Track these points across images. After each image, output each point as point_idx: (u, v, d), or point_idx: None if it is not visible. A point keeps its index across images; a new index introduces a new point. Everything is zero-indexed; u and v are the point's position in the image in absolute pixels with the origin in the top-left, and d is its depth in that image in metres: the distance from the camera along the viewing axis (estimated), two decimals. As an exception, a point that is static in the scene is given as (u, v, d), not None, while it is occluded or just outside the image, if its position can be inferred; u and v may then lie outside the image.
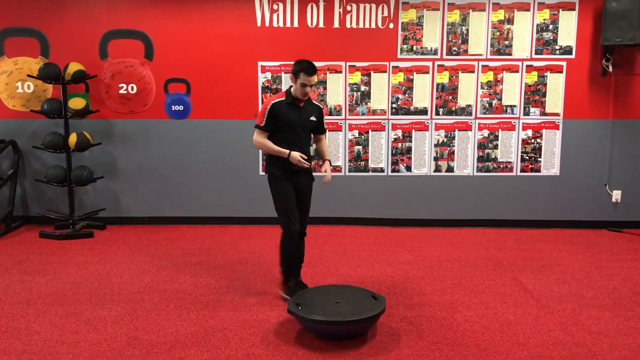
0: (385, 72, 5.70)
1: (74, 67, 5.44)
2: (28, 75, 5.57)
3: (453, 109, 5.75)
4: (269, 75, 5.72)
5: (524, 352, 3.10)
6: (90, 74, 5.61)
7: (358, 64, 5.70)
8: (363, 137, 5.81)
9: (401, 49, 5.67)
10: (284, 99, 3.71)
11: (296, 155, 3.65)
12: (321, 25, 5.64)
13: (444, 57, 5.68)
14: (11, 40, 5.69)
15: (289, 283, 3.89)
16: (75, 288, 4.06)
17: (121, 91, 5.76)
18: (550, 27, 5.60)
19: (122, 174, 5.90)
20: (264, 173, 5.86)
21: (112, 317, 3.55)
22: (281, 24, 5.64)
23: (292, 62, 3.71)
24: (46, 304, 3.75)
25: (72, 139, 5.46)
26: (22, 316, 3.56)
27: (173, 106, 5.79)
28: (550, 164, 5.81)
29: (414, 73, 5.70)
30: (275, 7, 5.62)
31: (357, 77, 5.71)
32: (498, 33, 5.63)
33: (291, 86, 3.72)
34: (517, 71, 5.68)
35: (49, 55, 5.69)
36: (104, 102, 5.78)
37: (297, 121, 3.73)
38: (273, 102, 3.69)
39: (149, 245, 5.20)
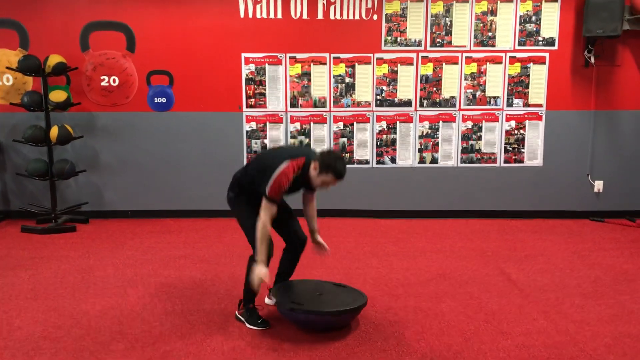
0: (370, 63, 5.69)
1: (54, 59, 5.36)
2: (7, 68, 5.48)
3: (437, 100, 5.76)
4: (252, 67, 5.69)
5: (508, 341, 3.12)
6: (72, 66, 5.53)
7: (342, 56, 5.68)
8: (348, 129, 5.80)
9: (385, 41, 5.66)
10: (300, 173, 3.07)
11: (261, 275, 3.04)
12: (305, 16, 5.61)
13: (428, 48, 5.68)
14: (-11, 32, 5.60)
15: (251, 305, 3.34)
16: (58, 282, 4.02)
17: (103, 83, 5.69)
18: (533, 18, 5.63)
19: (104, 168, 5.84)
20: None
21: (96, 311, 3.52)
22: (265, 15, 5.60)
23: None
24: (28, 299, 3.71)
25: (54, 132, 5.39)
26: (4, 312, 3.51)
27: (156, 98, 5.74)
28: (534, 155, 5.85)
29: (398, 65, 5.70)
30: (258, -2, 5.58)
31: (341, 69, 5.70)
32: (481, 24, 5.65)
33: (312, 163, 3.05)
34: (501, 62, 5.70)
35: (29, 47, 5.60)
36: (86, 95, 5.71)
37: (297, 189, 3.23)
38: (295, 176, 3.05)
39: (132, 239, 5.16)
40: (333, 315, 3.14)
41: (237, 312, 3.41)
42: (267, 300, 3.59)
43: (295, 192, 3.23)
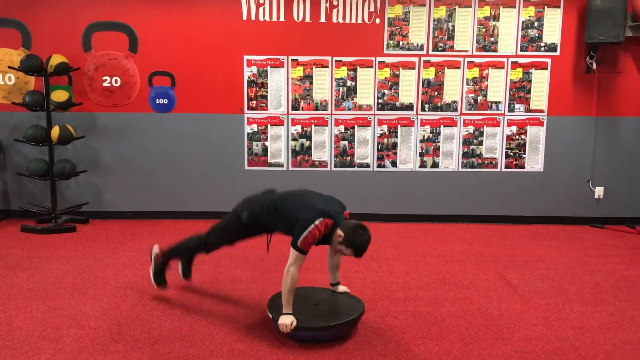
0: (372, 67, 5.70)
1: (56, 59, 5.37)
2: (9, 67, 5.48)
3: (439, 104, 5.77)
4: (254, 69, 5.69)
5: (508, 346, 3.12)
6: (74, 67, 5.53)
7: (344, 59, 5.68)
8: (349, 132, 5.80)
9: (387, 45, 5.67)
10: (326, 233, 3.14)
11: (288, 322, 3.08)
12: (307, 19, 5.62)
13: (430, 52, 5.69)
14: (-8, 31, 5.60)
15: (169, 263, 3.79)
16: (57, 283, 4.01)
17: (105, 84, 5.70)
18: (536, 24, 5.63)
19: (105, 168, 5.84)
20: (248, 167, 5.84)
21: (95, 312, 3.52)
22: (267, 18, 5.61)
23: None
24: (27, 299, 3.70)
25: (55, 132, 5.39)
26: (3, 311, 3.51)
27: (157, 99, 5.74)
28: (534, 160, 5.85)
29: (400, 69, 5.70)
30: (261, 0, 5.58)
31: (343, 72, 5.70)
32: (484, 29, 5.65)
33: (338, 229, 3.11)
34: (503, 68, 5.71)
35: (31, 47, 5.60)
36: (87, 95, 5.71)
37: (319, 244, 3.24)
38: (321, 236, 3.13)
39: (132, 240, 5.15)
40: (329, 329, 3.11)
41: (156, 254, 3.78)
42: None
43: (317, 245, 3.20)
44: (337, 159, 5.84)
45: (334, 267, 3.51)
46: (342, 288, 3.53)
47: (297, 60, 5.68)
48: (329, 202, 3.24)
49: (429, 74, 5.72)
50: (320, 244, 3.23)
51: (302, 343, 3.12)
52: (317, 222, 3.05)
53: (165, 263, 3.77)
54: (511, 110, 5.78)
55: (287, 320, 3.06)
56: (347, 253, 3.11)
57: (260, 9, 5.60)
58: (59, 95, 5.40)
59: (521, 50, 5.69)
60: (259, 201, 3.40)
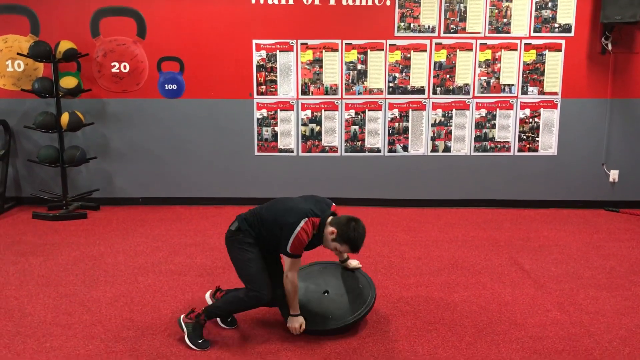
0: (382, 50, 5.62)
1: (65, 45, 5.34)
2: (18, 54, 5.47)
3: (450, 88, 5.69)
4: (263, 53, 5.64)
5: (522, 332, 3.09)
6: (82, 53, 5.50)
7: (354, 42, 5.61)
8: (359, 117, 5.75)
9: (398, 27, 5.58)
10: (315, 232, 2.97)
11: (297, 325, 3.01)
12: (317, 2, 5.54)
13: (442, 35, 5.60)
14: (0, 18, 5.57)
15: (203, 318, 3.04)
16: (69, 269, 4.02)
17: (113, 70, 5.67)
18: (549, 4, 5.52)
19: (115, 154, 5.84)
20: (258, 153, 5.81)
21: (107, 298, 3.52)
22: (276, 1, 5.53)
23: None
24: (39, 285, 3.72)
25: (64, 118, 5.38)
26: (15, 298, 3.52)
27: (166, 85, 5.71)
28: (548, 144, 5.77)
29: (411, 51, 5.62)
30: (270, -17, 5.51)
31: (353, 56, 5.63)
32: (496, 11, 5.55)
33: (328, 226, 2.96)
34: (516, 49, 5.61)
35: (40, 33, 5.58)
36: (96, 81, 5.69)
37: (311, 247, 3.07)
38: (310, 238, 2.95)
39: (143, 226, 5.15)
40: (338, 330, 3.05)
41: (183, 317, 3.04)
42: (207, 298, 3.40)
43: (309, 249, 3.06)
44: (348, 144, 5.79)
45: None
46: (353, 263, 3.36)
47: (306, 44, 5.61)
48: (313, 201, 3.06)
49: (441, 56, 5.63)
50: (313, 247, 3.05)
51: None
52: (301, 223, 2.89)
53: (200, 325, 3.03)
54: (524, 92, 5.69)
55: (295, 324, 3.00)
56: (343, 250, 2.97)
57: (269, -8, 5.53)
58: (68, 82, 5.38)
59: (534, 31, 5.58)
60: (245, 214, 3.14)
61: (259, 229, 3.05)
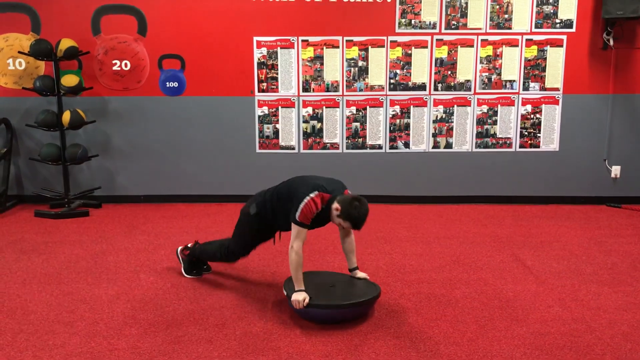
0: (383, 46, 5.61)
1: (66, 43, 5.34)
2: (19, 52, 5.47)
3: (452, 84, 5.68)
4: (264, 50, 5.63)
5: (523, 328, 3.08)
6: (83, 50, 5.51)
7: (355, 39, 5.60)
8: (361, 113, 5.74)
9: (399, 23, 5.57)
10: (320, 209, 3.13)
11: (301, 298, 3.10)
12: (318, -1, 5.53)
13: (443, 31, 5.59)
14: (1, 16, 5.57)
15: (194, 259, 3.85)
16: (71, 267, 4.03)
17: (115, 68, 5.67)
18: (551, 0, 5.50)
19: (117, 152, 5.84)
20: (259, 150, 5.81)
21: (109, 296, 3.53)
22: (277, -2, 5.53)
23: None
24: (42, 283, 3.73)
25: (66, 116, 5.39)
26: (18, 296, 3.53)
27: (167, 83, 5.71)
28: (550, 140, 5.76)
29: (413, 48, 5.61)
30: (270, -20, 5.50)
31: (354, 52, 5.63)
32: (497, 6, 5.53)
33: (334, 202, 3.11)
34: (517, 45, 5.60)
35: (40, 31, 5.58)
36: (98, 79, 5.69)
37: (321, 223, 3.29)
38: (318, 211, 3.12)
39: (145, 224, 5.16)
40: (342, 308, 3.11)
41: (180, 249, 3.90)
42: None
43: (320, 226, 3.28)
44: (349, 141, 5.78)
45: (350, 251, 3.45)
46: (361, 274, 3.47)
47: (307, 40, 5.61)
48: (327, 180, 3.28)
49: (442, 52, 5.62)
50: (321, 225, 3.25)
51: (315, 325, 3.10)
52: (312, 194, 3.09)
53: (193, 257, 3.86)
54: (526, 88, 5.68)
55: (299, 297, 3.08)
56: (346, 226, 3.13)
57: (270, -11, 5.52)
58: (69, 80, 5.39)
59: (536, 27, 5.57)
60: (262, 193, 3.46)
61: (274, 207, 3.31)
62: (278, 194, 3.31)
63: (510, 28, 5.57)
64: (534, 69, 5.63)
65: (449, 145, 5.79)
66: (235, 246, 3.56)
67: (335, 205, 3.10)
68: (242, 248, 3.55)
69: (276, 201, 3.31)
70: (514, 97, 5.69)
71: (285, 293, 3.23)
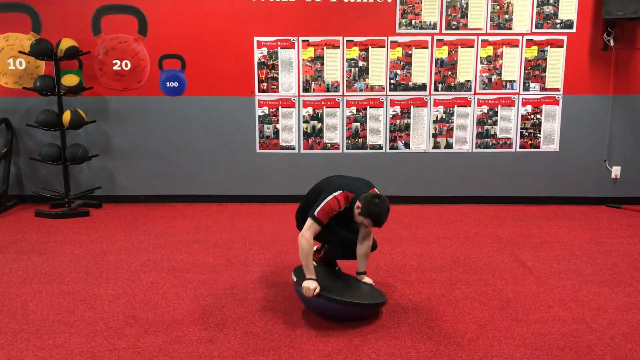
0: (384, 47, 5.61)
1: (66, 43, 5.34)
2: (20, 52, 5.47)
3: (452, 84, 5.68)
4: (265, 50, 5.63)
5: (523, 328, 3.08)
6: (84, 50, 5.51)
7: (356, 39, 5.60)
8: (361, 113, 5.74)
9: (400, 24, 5.57)
10: (344, 208, 3.21)
11: (312, 287, 3.09)
12: (318, -1, 5.54)
13: (443, 31, 5.59)
14: (1, 16, 5.57)
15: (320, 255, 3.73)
16: (71, 267, 4.03)
17: (115, 67, 5.67)
18: (551, 0, 5.50)
19: (117, 152, 5.84)
20: (260, 150, 5.81)
21: (109, 295, 3.53)
22: (277, -2, 5.53)
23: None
24: (42, 283, 3.73)
25: (66, 116, 5.39)
26: (18, 295, 3.53)
27: (168, 83, 5.71)
28: (550, 140, 5.76)
29: (413, 48, 5.61)
30: (271, -20, 5.50)
31: (354, 52, 5.63)
32: (498, 7, 5.53)
33: (355, 201, 3.18)
34: (517, 46, 5.60)
35: (41, 31, 5.58)
36: (98, 79, 5.69)
37: (344, 222, 3.39)
38: (342, 210, 3.21)
39: (145, 224, 5.16)
40: (356, 306, 3.11)
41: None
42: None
43: (343, 227, 3.39)
44: (349, 141, 5.78)
45: (363, 255, 3.44)
46: (367, 280, 3.46)
47: (307, 41, 5.61)
48: (354, 180, 3.35)
49: (442, 53, 5.62)
50: (345, 225, 3.35)
51: (315, 325, 3.10)
52: (336, 193, 3.17)
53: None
54: (526, 89, 5.68)
55: (311, 285, 3.08)
56: (367, 223, 3.15)
57: (270, -11, 5.52)
58: (70, 80, 5.39)
59: (536, 27, 5.57)
60: (306, 196, 3.50)
61: (306, 208, 3.34)
62: (309, 200, 3.36)
63: (510, 28, 5.57)
64: (534, 70, 5.63)
65: (449, 145, 5.79)
66: (335, 245, 3.54)
67: (357, 203, 3.15)
68: (339, 242, 3.49)
69: (306, 204, 3.40)
70: (514, 98, 5.69)
71: (294, 279, 3.24)
